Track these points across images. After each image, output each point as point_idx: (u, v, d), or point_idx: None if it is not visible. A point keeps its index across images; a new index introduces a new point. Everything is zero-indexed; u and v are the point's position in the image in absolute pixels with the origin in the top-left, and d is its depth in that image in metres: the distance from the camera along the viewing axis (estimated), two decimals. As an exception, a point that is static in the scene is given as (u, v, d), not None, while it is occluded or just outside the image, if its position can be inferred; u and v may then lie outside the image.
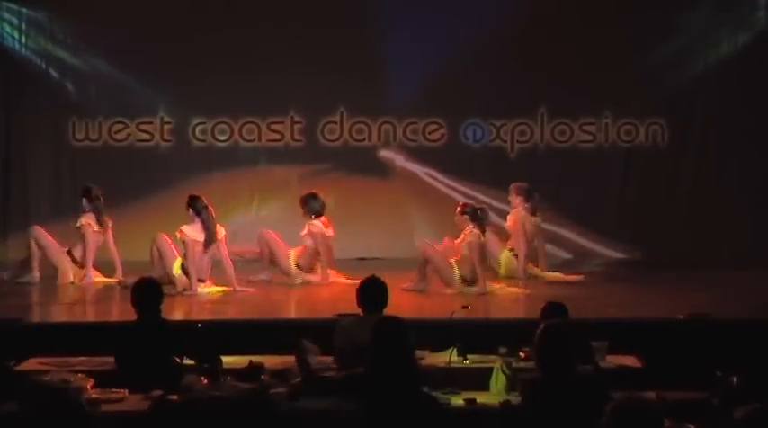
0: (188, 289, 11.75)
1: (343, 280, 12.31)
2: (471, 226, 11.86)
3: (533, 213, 13.10)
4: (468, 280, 11.76)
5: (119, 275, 12.43)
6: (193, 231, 11.80)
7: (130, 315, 8.31)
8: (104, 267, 12.71)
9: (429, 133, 15.13)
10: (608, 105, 15.06)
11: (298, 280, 12.50)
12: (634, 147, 15.12)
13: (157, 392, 7.05)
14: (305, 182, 14.20)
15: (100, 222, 12.61)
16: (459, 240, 11.89)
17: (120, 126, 15.02)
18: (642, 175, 15.13)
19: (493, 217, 13.12)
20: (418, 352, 8.16)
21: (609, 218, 15.00)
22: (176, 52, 14.67)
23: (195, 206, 11.89)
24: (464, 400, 7.28)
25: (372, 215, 14.78)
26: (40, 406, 5.12)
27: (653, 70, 14.87)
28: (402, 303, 10.27)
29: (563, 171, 15.00)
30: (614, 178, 15.20)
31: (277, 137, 15.12)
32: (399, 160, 15.24)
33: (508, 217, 13.20)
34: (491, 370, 7.62)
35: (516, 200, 13.13)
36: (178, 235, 11.84)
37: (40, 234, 12.71)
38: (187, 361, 7.98)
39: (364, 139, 15.15)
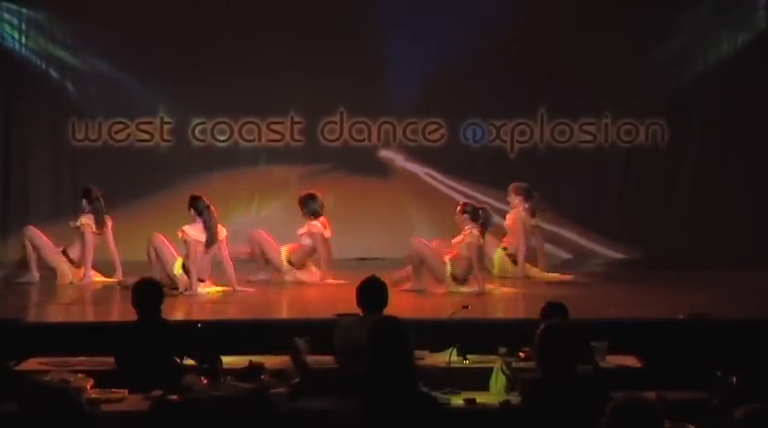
0: (188, 288, 11.75)
1: (332, 281, 12.35)
2: (470, 226, 11.86)
3: (533, 214, 13.09)
4: (460, 279, 11.75)
5: (119, 275, 12.43)
6: (195, 231, 11.81)
7: (130, 315, 8.31)
8: (104, 267, 12.71)
9: (429, 133, 15.13)
10: (608, 105, 15.06)
11: (288, 277, 12.51)
12: (634, 148, 15.13)
13: (157, 392, 7.05)
14: (305, 183, 14.20)
15: (99, 223, 12.61)
16: (457, 239, 11.88)
17: (120, 126, 15.03)
18: (642, 175, 15.13)
19: (494, 217, 13.12)
20: (418, 353, 8.17)
21: (609, 219, 15.01)
22: (176, 52, 14.68)
23: (197, 206, 11.89)
24: (464, 400, 7.28)
25: (372, 215, 14.78)
26: (40, 406, 5.12)
27: (653, 70, 14.88)
28: (402, 303, 10.27)
29: (563, 171, 15.00)
30: (614, 178, 15.20)
31: (277, 137, 15.12)
32: (399, 160, 15.24)
33: (507, 216, 13.20)
34: (491, 370, 7.62)
35: (516, 200, 13.13)
36: (180, 234, 11.84)
37: (35, 234, 12.70)
38: (187, 361, 7.99)
39: (364, 139, 15.15)
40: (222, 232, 11.95)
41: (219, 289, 11.91)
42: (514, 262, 12.94)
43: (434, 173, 15.19)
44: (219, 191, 13.92)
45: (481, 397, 7.35)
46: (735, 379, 6.95)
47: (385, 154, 15.23)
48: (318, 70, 14.62)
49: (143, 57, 14.68)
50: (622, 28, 14.78)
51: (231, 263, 12.02)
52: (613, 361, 8.21)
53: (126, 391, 7.33)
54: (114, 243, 12.69)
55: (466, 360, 8.23)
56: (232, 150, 15.12)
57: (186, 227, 11.83)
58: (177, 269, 11.89)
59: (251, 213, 14.83)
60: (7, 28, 15.06)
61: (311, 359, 7.99)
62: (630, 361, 8.38)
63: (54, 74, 15.05)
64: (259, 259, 12.68)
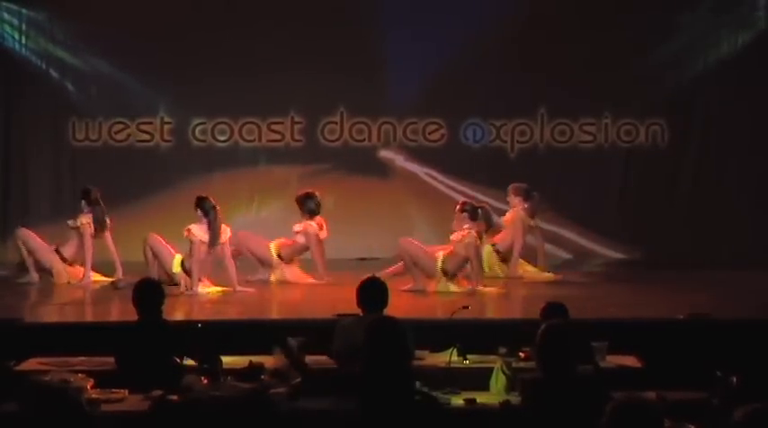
0: (188, 288, 11.75)
1: (310, 280, 12.44)
2: (470, 225, 11.86)
3: (532, 214, 13.09)
4: (450, 274, 11.74)
5: (119, 275, 12.44)
6: (201, 231, 11.81)
7: (131, 315, 8.31)
8: (104, 267, 12.70)
9: (429, 133, 15.13)
10: (608, 105, 15.06)
11: (275, 275, 12.51)
12: (634, 148, 15.13)
13: (157, 392, 7.05)
14: (305, 183, 14.19)
15: (101, 225, 12.60)
16: (455, 237, 11.88)
17: (121, 126, 15.03)
18: (642, 175, 15.13)
19: (494, 217, 13.13)
20: (418, 353, 8.20)
21: (609, 219, 15.01)
22: (176, 52, 14.68)
23: (203, 206, 11.89)
24: (464, 400, 7.29)
25: (372, 215, 14.78)
26: (40, 406, 5.12)
27: (653, 70, 14.88)
28: (402, 303, 10.27)
29: (563, 171, 15.00)
30: (614, 178, 15.21)
31: (277, 137, 15.13)
32: (399, 160, 15.25)
33: (506, 213, 13.19)
34: (491, 370, 7.63)
35: (515, 200, 13.14)
36: (185, 233, 11.83)
37: (27, 236, 12.71)
38: (187, 362, 7.98)
39: (364, 139, 15.15)
40: (226, 232, 11.96)
41: (219, 289, 11.91)
42: (503, 260, 12.94)
43: (434, 174, 15.19)
44: (220, 191, 13.88)
45: (481, 397, 7.35)
46: (735, 379, 6.95)
47: (385, 154, 15.24)
48: (319, 70, 14.62)
49: (143, 58, 14.68)
50: (622, 28, 14.78)
51: (233, 263, 12.02)
52: (613, 360, 8.21)
53: (126, 391, 7.34)
54: (114, 243, 12.68)
55: (466, 360, 8.23)
56: (232, 150, 15.12)
57: (192, 227, 11.83)
58: (176, 267, 11.90)
59: (251, 213, 14.83)
60: (7, 28, 15.06)
61: (309, 359, 8.00)
62: (630, 361, 8.39)
63: (54, 74, 15.05)
64: (251, 259, 12.69)
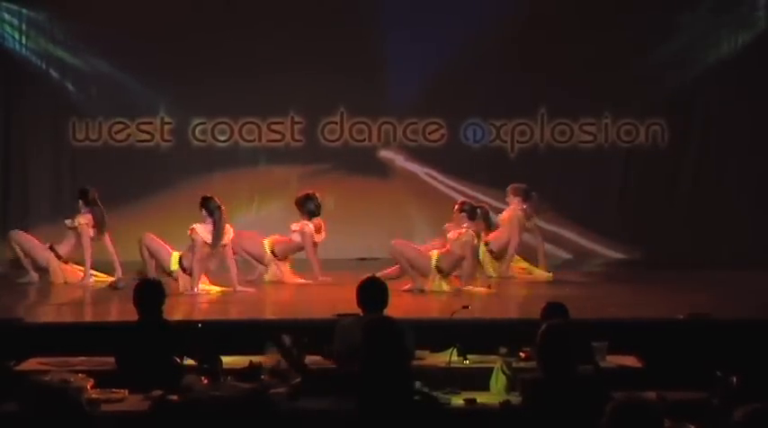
0: (187, 288, 11.75)
1: (299, 280, 12.46)
2: (468, 224, 11.87)
3: (529, 215, 13.08)
4: (444, 273, 11.74)
5: (118, 275, 12.45)
6: (204, 231, 11.80)
7: (131, 315, 8.31)
8: (103, 267, 12.70)
9: (429, 133, 15.14)
10: (608, 106, 15.07)
11: (268, 273, 12.51)
12: (634, 148, 15.14)
13: (157, 392, 7.05)
14: (305, 183, 14.20)
15: (100, 225, 12.59)
16: (452, 235, 11.89)
17: (121, 126, 15.04)
18: (642, 175, 15.14)
19: (493, 216, 13.13)
20: (418, 353, 8.20)
21: (609, 219, 15.01)
22: (176, 53, 14.68)
23: (208, 206, 11.88)
24: (464, 400, 7.28)
25: (372, 215, 14.79)
26: (40, 407, 5.12)
27: (653, 70, 14.88)
28: (402, 303, 10.27)
29: (563, 171, 15.01)
30: (614, 178, 15.21)
31: (277, 137, 15.13)
32: (399, 160, 15.26)
33: (504, 211, 13.18)
34: (491, 370, 7.62)
35: (514, 200, 13.14)
36: (189, 232, 11.82)
37: (21, 238, 12.73)
38: (187, 361, 7.98)
39: (364, 139, 15.16)
40: (229, 233, 11.95)
41: (219, 288, 11.90)
42: (495, 259, 12.93)
43: (434, 174, 15.19)
44: (220, 191, 13.83)
45: (481, 397, 7.35)
46: (735, 379, 6.95)
47: (385, 154, 15.24)
48: (319, 71, 14.63)
49: (143, 58, 14.69)
50: (622, 28, 14.78)
51: (235, 263, 12.03)
52: (613, 360, 8.20)
53: (126, 391, 7.33)
54: (113, 243, 12.68)
55: (466, 360, 8.23)
56: (232, 150, 15.13)
57: (197, 226, 11.82)
58: (174, 264, 11.90)
59: (251, 213, 14.83)
60: (8, 28, 15.07)
61: (309, 359, 8.00)
62: (631, 361, 8.38)
63: (54, 74, 15.06)
64: (246, 257, 12.70)
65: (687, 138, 15.12)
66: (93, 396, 7.13)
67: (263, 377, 7.56)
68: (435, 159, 15.13)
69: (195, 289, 11.69)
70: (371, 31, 14.90)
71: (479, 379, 7.63)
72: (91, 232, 12.57)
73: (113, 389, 7.33)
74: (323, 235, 12.69)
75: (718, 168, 15.03)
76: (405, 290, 11.55)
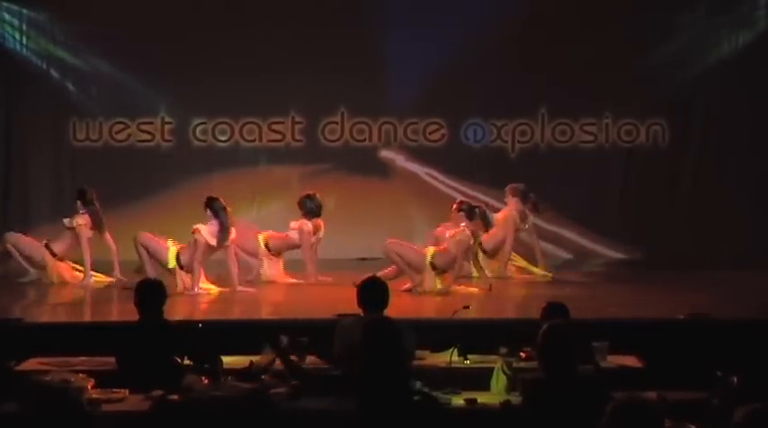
0: (187, 288, 11.75)
1: (291, 280, 12.50)
2: (465, 224, 11.89)
3: (524, 217, 13.08)
4: (439, 270, 11.75)
5: (117, 275, 12.46)
6: (207, 232, 11.79)
7: (131, 315, 8.31)
8: (102, 267, 12.69)
9: (429, 133, 15.14)
10: (608, 105, 15.07)
11: (263, 269, 12.50)
12: (635, 148, 15.14)
13: (158, 392, 7.05)
14: (305, 183, 14.21)
15: (99, 226, 12.59)
16: (449, 234, 11.91)
17: (121, 126, 15.04)
18: (642, 175, 15.14)
19: (490, 216, 13.13)
20: (419, 353, 8.20)
21: (609, 219, 15.02)
22: (177, 53, 14.68)
23: (214, 207, 11.87)
24: (465, 400, 7.28)
25: (373, 215, 14.79)
26: (41, 407, 5.13)
27: (653, 70, 14.88)
28: (402, 304, 10.27)
29: (564, 171, 15.01)
30: (615, 178, 15.21)
31: (278, 137, 15.14)
32: (400, 160, 15.26)
33: (499, 212, 13.19)
34: (492, 370, 7.62)
35: (512, 200, 13.15)
36: (192, 232, 11.82)
37: (16, 239, 12.73)
38: (188, 361, 7.98)
39: (365, 140, 15.16)
40: (232, 233, 11.96)
41: (218, 288, 11.89)
42: (488, 257, 12.91)
43: (435, 174, 15.20)
44: (220, 191, 13.83)
45: (482, 397, 7.35)
46: (735, 379, 6.95)
47: (386, 154, 15.25)
48: (319, 71, 14.63)
49: (144, 58, 14.69)
50: (622, 28, 14.79)
51: (236, 263, 12.03)
52: (614, 361, 8.21)
53: (127, 391, 7.33)
54: (116, 242, 12.69)
55: (467, 360, 8.23)
56: (233, 150, 15.13)
57: (201, 227, 11.81)
58: (171, 261, 11.89)
59: (252, 213, 14.83)
60: (8, 29, 15.07)
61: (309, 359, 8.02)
62: (631, 361, 8.38)
63: (55, 74, 15.06)
64: (240, 255, 12.71)
65: (687, 138, 15.12)
66: (94, 396, 7.12)
67: (263, 377, 7.56)
68: (436, 159, 15.14)
69: (195, 289, 11.69)
70: (372, 31, 14.91)
71: (480, 379, 7.63)
72: (89, 233, 12.56)
73: (114, 389, 7.33)
74: (321, 235, 12.69)
75: (719, 168, 15.04)
76: (404, 290, 11.55)
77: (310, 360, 8.10)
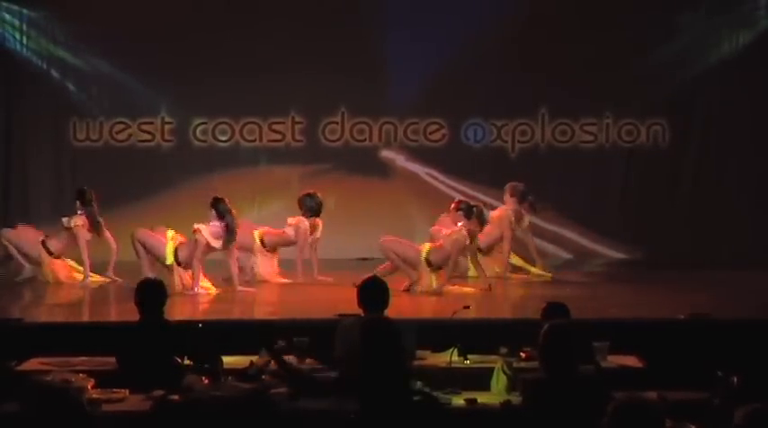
0: (188, 288, 11.75)
1: (282, 279, 12.50)
2: (463, 223, 11.89)
3: (519, 217, 13.08)
4: (434, 266, 11.75)
5: (111, 274, 12.45)
6: (208, 232, 11.78)
7: (131, 315, 8.31)
8: (100, 267, 12.69)
9: (430, 133, 15.14)
10: (609, 105, 15.07)
11: (255, 262, 12.48)
12: (635, 148, 15.14)
13: (158, 392, 7.05)
14: (306, 183, 14.21)
15: (95, 226, 12.58)
16: (446, 232, 11.91)
17: (122, 126, 15.04)
18: (643, 175, 15.14)
19: (487, 215, 13.13)
20: (419, 353, 8.20)
21: (610, 219, 15.01)
22: (177, 53, 14.68)
23: (219, 208, 11.84)
24: (465, 400, 7.29)
25: (373, 215, 14.78)
26: (42, 407, 5.13)
27: (653, 70, 14.88)
28: (403, 304, 10.27)
29: (564, 171, 15.01)
30: (615, 178, 15.21)
31: (278, 137, 15.14)
32: (400, 160, 15.26)
33: (495, 210, 13.17)
34: (492, 370, 7.62)
35: (509, 200, 13.14)
36: (193, 232, 11.81)
37: (12, 235, 12.73)
38: (188, 361, 7.98)
39: (365, 140, 15.16)
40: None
41: (213, 289, 11.88)
42: (483, 255, 12.91)
43: (435, 174, 15.19)
44: (220, 191, 13.83)
45: (482, 397, 7.35)
46: (735, 379, 6.95)
47: (386, 154, 15.25)
48: (319, 71, 14.63)
49: (144, 58, 14.69)
50: (622, 28, 14.79)
51: (237, 263, 12.03)
52: (614, 361, 8.21)
53: (127, 391, 7.33)
54: (117, 242, 12.69)
55: (467, 360, 8.23)
56: (233, 150, 15.13)
57: (201, 226, 11.80)
58: (169, 257, 11.88)
59: (252, 213, 14.82)
60: (9, 29, 15.07)
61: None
62: (631, 361, 8.39)
63: (55, 74, 15.06)
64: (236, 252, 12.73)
65: (688, 138, 15.12)
66: (94, 396, 7.12)
67: (263, 377, 7.56)
68: (436, 159, 15.14)
69: (196, 289, 11.69)
70: (372, 31, 14.91)
71: (480, 379, 7.63)
72: (87, 234, 12.55)
73: (114, 389, 7.34)
74: (318, 235, 12.68)
75: (719, 168, 15.04)
76: (403, 290, 11.55)
77: (309, 362, 8.09)
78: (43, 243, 12.62)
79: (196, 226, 11.82)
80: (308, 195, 12.79)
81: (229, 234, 11.79)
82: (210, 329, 9.07)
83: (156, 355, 7.84)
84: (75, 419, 5.11)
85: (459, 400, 7.29)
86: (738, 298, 11.38)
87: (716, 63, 15.04)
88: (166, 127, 15.10)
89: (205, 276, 11.93)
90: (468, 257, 12.54)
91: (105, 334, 8.78)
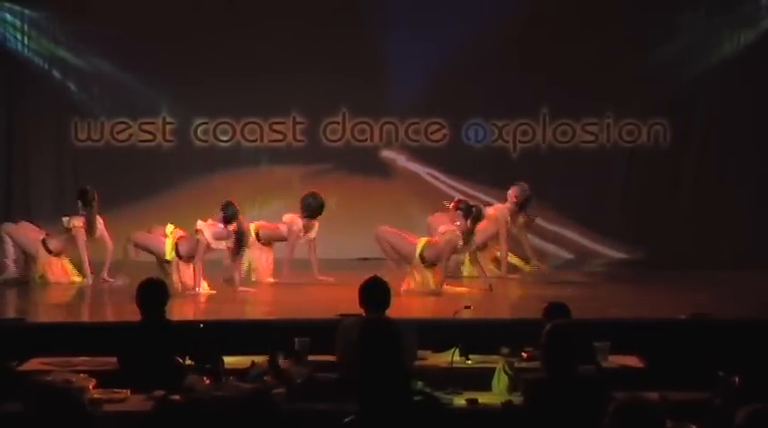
0: (189, 288, 11.75)
1: (271, 280, 12.50)
2: (460, 222, 11.88)
3: (515, 218, 13.07)
4: (427, 262, 11.74)
5: (104, 276, 12.44)
6: (209, 233, 11.77)
7: (132, 315, 8.31)
8: (99, 267, 12.69)
9: (431, 133, 15.14)
10: (610, 105, 15.07)
11: (246, 258, 12.46)
12: (636, 148, 15.14)
13: (160, 392, 7.05)
14: (307, 183, 14.21)
15: (91, 226, 12.57)
16: (442, 229, 11.91)
17: (123, 126, 15.05)
18: (644, 175, 15.14)
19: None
20: (420, 353, 8.20)
21: (611, 219, 15.01)
22: (178, 53, 14.69)
23: (228, 213, 11.82)
24: (466, 400, 7.29)
25: (374, 215, 14.73)
26: (43, 407, 5.13)
27: (653, 70, 14.88)
28: (404, 303, 10.27)
29: (565, 171, 15.01)
30: (616, 178, 15.21)
31: (279, 137, 15.14)
32: (401, 160, 15.26)
33: (491, 207, 13.16)
34: (493, 370, 7.63)
35: (512, 199, 13.12)
36: (195, 232, 11.81)
37: (11, 229, 12.71)
38: (189, 362, 7.98)
39: (366, 140, 15.17)
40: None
41: (207, 289, 11.87)
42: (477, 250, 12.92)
43: (436, 174, 15.20)
44: (221, 191, 13.90)
45: (483, 398, 7.36)
46: (737, 379, 6.95)
47: (387, 154, 15.25)
48: (320, 71, 14.63)
49: (145, 58, 14.70)
50: (622, 28, 14.79)
51: (241, 266, 12.04)
52: (615, 361, 8.21)
53: (128, 391, 7.34)
54: (113, 242, 12.69)
55: (468, 360, 8.23)
56: (234, 150, 15.14)
57: (203, 227, 11.79)
58: (169, 253, 11.88)
59: (253, 213, 14.81)
60: (10, 29, 15.08)
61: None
62: (632, 361, 8.39)
63: (56, 74, 15.07)
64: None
65: (689, 138, 15.12)
66: (96, 396, 7.13)
67: (265, 377, 7.56)
68: (437, 159, 15.14)
69: (197, 289, 11.69)
70: (372, 31, 14.92)
71: (481, 380, 7.63)
72: (86, 236, 12.55)
73: (115, 389, 7.33)
74: (312, 235, 12.65)
75: (720, 168, 15.04)
76: (405, 290, 11.55)
77: (309, 362, 8.09)
78: (44, 241, 12.62)
79: (199, 225, 11.82)
80: (312, 195, 12.76)
81: (239, 244, 11.76)
82: (212, 329, 9.07)
83: (158, 355, 7.84)
84: (77, 419, 5.11)
85: (460, 400, 7.30)
86: (739, 298, 11.38)
87: (717, 63, 15.04)
88: (167, 127, 15.11)
89: (203, 277, 11.93)
90: (468, 257, 12.55)
91: (106, 334, 8.78)
